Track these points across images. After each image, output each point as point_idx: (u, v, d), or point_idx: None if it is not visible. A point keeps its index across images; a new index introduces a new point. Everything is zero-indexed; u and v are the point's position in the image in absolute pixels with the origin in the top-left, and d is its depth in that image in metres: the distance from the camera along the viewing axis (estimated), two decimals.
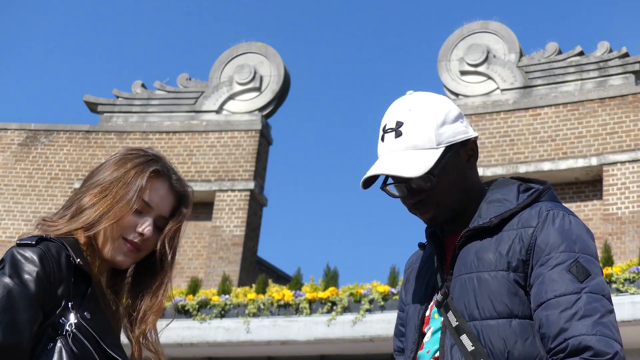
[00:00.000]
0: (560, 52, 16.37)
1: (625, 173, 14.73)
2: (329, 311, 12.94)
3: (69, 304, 1.89)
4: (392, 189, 2.11)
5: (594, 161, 15.00)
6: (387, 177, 2.12)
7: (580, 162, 15.08)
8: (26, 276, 1.85)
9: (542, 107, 15.76)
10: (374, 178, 2.11)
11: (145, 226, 2.03)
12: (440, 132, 2.07)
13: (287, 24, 48.32)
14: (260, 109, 17.51)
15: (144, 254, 2.07)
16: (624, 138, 14.99)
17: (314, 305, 13.10)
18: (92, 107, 18.02)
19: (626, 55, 15.83)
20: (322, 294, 13.04)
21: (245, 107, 17.57)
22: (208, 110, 17.57)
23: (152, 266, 2.09)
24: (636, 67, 15.60)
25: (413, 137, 2.06)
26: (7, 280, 1.84)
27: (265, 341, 12.93)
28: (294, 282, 13.76)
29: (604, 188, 14.83)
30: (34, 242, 1.90)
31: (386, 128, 2.10)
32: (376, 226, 45.33)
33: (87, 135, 17.61)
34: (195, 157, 17.10)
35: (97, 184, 2.04)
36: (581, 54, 16.21)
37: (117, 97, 18.04)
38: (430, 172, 2.04)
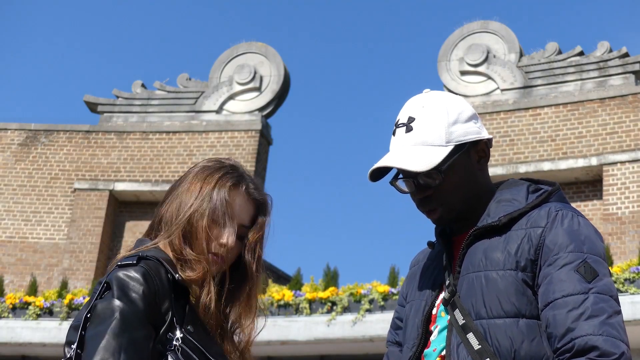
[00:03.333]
0: (560, 52, 16.37)
1: (625, 173, 14.73)
2: (329, 311, 12.94)
3: (174, 319, 1.93)
4: (401, 184, 2.12)
5: (594, 161, 14.99)
6: (397, 173, 2.13)
7: (580, 162, 15.08)
8: (134, 295, 1.88)
9: (542, 107, 15.76)
10: (384, 172, 2.12)
11: (227, 236, 2.05)
12: (451, 131, 2.08)
13: (287, 24, 48.33)
14: (260, 109, 17.51)
15: (228, 264, 2.09)
16: (624, 138, 14.99)
17: (314, 305, 13.09)
18: (92, 107, 18.02)
19: (626, 55, 15.83)
20: (322, 294, 13.03)
21: (245, 107, 17.57)
22: (208, 110, 17.56)
23: (238, 275, 2.11)
24: (636, 67, 15.60)
25: (423, 133, 2.07)
26: (117, 302, 1.87)
27: (265, 341, 12.92)
28: (294, 282, 13.76)
29: (604, 188, 14.83)
30: (134, 262, 1.93)
31: (398, 123, 2.12)
32: (376, 226, 45.33)
33: (87, 135, 17.60)
34: (195, 157, 17.09)
35: (179, 198, 2.08)
36: (581, 54, 16.21)
37: (117, 97, 18.04)
38: (436, 169, 2.04)
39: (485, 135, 2.14)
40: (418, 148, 2.06)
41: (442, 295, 2.09)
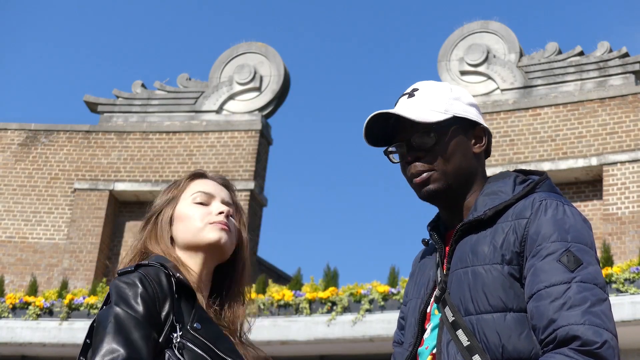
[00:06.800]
0: (560, 52, 16.37)
1: (625, 173, 14.72)
2: (329, 311, 12.94)
3: (174, 319, 1.99)
4: (395, 157, 2.12)
5: (594, 161, 14.99)
6: (392, 149, 2.12)
7: (580, 162, 15.08)
8: (131, 300, 1.95)
9: (542, 107, 15.76)
10: (383, 141, 2.13)
11: (218, 205, 2.18)
12: (451, 103, 2.09)
13: (287, 24, 48.34)
14: (260, 109, 17.50)
15: (234, 239, 2.17)
16: (624, 138, 14.99)
17: (314, 305, 13.10)
18: (92, 107, 18.02)
19: (626, 55, 15.83)
20: (322, 294, 13.03)
21: (245, 107, 17.57)
22: (208, 110, 17.56)
23: (230, 269, 2.21)
24: (636, 67, 15.60)
25: (424, 99, 2.09)
26: (114, 308, 1.95)
27: (265, 341, 12.92)
28: (294, 282, 13.76)
29: (604, 188, 14.83)
30: (132, 269, 2.02)
31: (402, 94, 2.15)
32: (376, 226, 45.33)
33: (87, 135, 17.60)
34: (195, 157, 17.09)
35: (155, 203, 2.24)
36: (581, 54, 16.21)
37: (117, 97, 18.04)
38: (431, 127, 2.05)
39: (484, 123, 2.14)
40: (418, 106, 2.09)
41: (435, 293, 2.08)
